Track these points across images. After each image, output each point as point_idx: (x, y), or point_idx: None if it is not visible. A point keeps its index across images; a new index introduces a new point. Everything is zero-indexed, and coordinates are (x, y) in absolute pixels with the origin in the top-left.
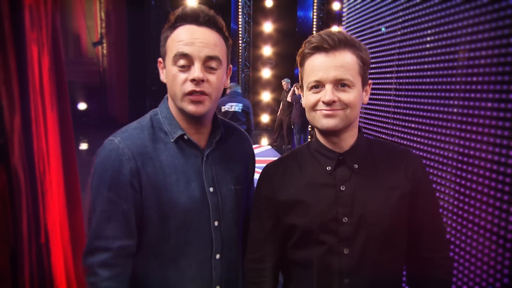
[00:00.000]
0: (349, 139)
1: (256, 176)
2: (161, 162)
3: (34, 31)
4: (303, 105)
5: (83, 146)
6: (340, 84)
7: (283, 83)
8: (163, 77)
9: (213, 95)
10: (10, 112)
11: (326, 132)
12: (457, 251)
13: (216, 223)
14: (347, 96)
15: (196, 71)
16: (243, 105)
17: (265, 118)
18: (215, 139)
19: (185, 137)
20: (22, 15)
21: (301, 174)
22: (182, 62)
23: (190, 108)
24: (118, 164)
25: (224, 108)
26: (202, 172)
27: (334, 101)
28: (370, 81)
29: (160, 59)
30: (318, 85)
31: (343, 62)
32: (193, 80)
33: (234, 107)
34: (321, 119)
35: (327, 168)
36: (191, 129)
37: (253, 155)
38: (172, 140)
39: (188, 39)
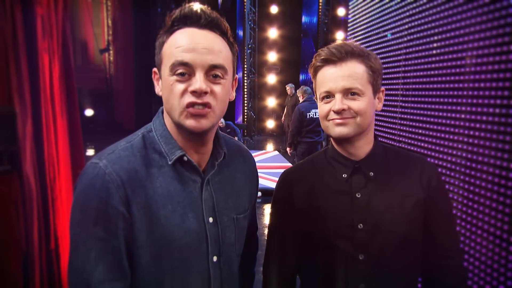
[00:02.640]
0: (364, 146)
1: (262, 181)
2: (154, 191)
3: (45, 39)
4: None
5: (90, 152)
6: (350, 93)
7: (287, 88)
8: (158, 89)
9: (218, 109)
10: (22, 119)
11: (339, 140)
12: (466, 258)
13: (215, 259)
14: (357, 104)
15: (198, 81)
16: None
17: (270, 123)
18: (217, 160)
19: (185, 158)
20: (34, 24)
21: (318, 180)
22: (181, 70)
23: (190, 122)
24: (105, 194)
25: (310, 114)
26: (201, 200)
27: (344, 110)
28: (382, 88)
29: (154, 70)
30: (328, 95)
31: (351, 72)
32: (194, 92)
33: (318, 113)
34: (334, 128)
35: (343, 175)
36: (190, 149)
37: (257, 176)
38: (170, 163)
39: (188, 44)
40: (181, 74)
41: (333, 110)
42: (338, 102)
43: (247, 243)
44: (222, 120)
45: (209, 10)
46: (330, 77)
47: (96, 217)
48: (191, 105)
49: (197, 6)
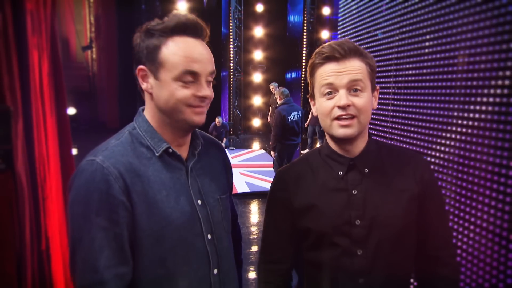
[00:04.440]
0: (360, 144)
1: (249, 179)
2: (149, 179)
3: (35, 36)
4: (315, 113)
5: (73, 151)
6: (353, 89)
7: (271, 87)
8: (148, 87)
9: (208, 106)
10: (14, 117)
11: (341, 140)
12: (459, 253)
13: (209, 236)
14: (360, 100)
15: (206, 89)
16: (301, 112)
17: (256, 122)
18: (196, 150)
19: (170, 150)
20: (24, 19)
21: (313, 178)
22: (189, 78)
23: (196, 118)
24: (105, 186)
25: (290, 117)
26: (188, 185)
27: (348, 105)
28: (377, 87)
29: (143, 67)
30: (331, 91)
31: (354, 67)
32: (202, 97)
33: (297, 115)
34: (338, 129)
35: (339, 173)
36: (173, 142)
37: (230, 164)
38: (157, 155)
39: (196, 55)
40: (188, 82)
41: (338, 106)
42: (343, 98)
43: (231, 229)
44: (220, 119)
45: (199, 19)
46: (334, 72)
47: (98, 208)
48: (195, 106)
49: (183, 9)
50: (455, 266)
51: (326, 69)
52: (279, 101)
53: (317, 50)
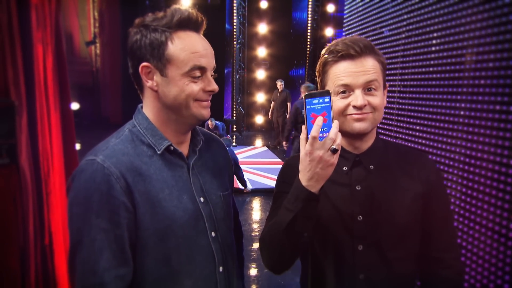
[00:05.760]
0: (368, 141)
1: (251, 176)
2: (151, 177)
3: (39, 30)
4: None
5: (76, 146)
6: (367, 88)
7: (278, 84)
8: (153, 84)
9: None
10: (18, 112)
11: (355, 135)
12: (463, 252)
13: (213, 234)
14: (375, 99)
15: (213, 83)
16: None
17: (259, 119)
18: (197, 147)
19: (171, 148)
20: (29, 14)
21: None
22: (198, 74)
23: (204, 112)
24: (106, 186)
25: (304, 111)
26: (190, 183)
27: (365, 105)
28: (387, 84)
29: (147, 64)
30: (346, 90)
31: (370, 67)
32: (210, 91)
33: None
34: (353, 123)
35: (344, 168)
36: (174, 139)
37: (231, 161)
38: (159, 153)
39: (202, 50)
40: (197, 77)
41: (354, 106)
42: (360, 98)
43: (233, 226)
44: (213, 121)
45: (198, 12)
46: (349, 72)
47: (98, 209)
48: (202, 100)
49: (188, 4)
50: (458, 269)
51: (341, 68)
52: (302, 96)
53: (330, 47)
